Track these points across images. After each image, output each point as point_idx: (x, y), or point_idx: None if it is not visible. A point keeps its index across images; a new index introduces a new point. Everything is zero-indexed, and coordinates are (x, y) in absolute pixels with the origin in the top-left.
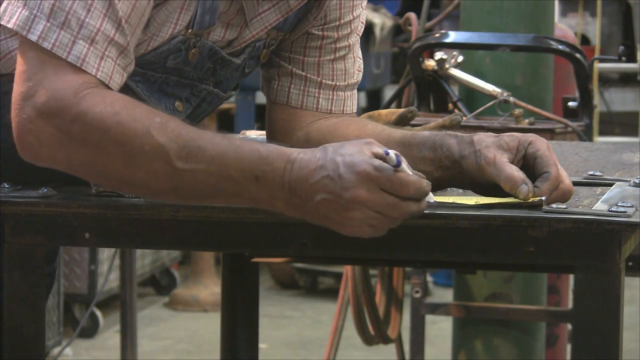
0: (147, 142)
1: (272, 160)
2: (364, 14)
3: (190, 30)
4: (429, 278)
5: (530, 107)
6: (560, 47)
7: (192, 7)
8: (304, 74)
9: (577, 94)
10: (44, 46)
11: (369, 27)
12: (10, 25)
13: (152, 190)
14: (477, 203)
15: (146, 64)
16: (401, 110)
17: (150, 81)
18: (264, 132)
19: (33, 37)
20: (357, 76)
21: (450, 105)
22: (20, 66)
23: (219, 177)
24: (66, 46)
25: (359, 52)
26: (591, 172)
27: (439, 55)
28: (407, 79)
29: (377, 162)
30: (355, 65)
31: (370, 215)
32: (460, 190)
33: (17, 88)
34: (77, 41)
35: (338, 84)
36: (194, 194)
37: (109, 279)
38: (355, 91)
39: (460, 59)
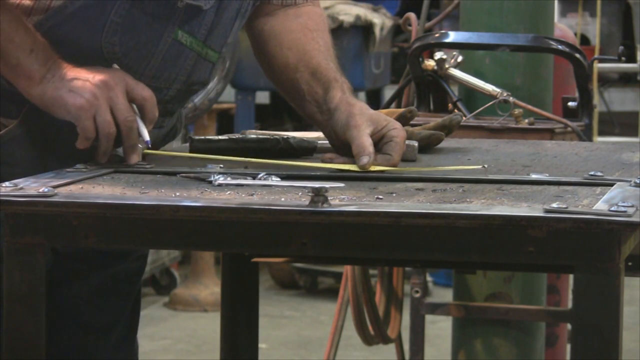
0: None
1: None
2: None
3: None
4: (429, 278)
5: (530, 107)
6: (560, 47)
7: None
8: None
9: (576, 94)
10: None
11: (369, 27)
12: None
13: None
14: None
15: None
16: (401, 110)
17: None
18: (264, 132)
19: None
20: None
21: (450, 105)
22: None
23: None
24: None
25: None
26: (591, 172)
27: (438, 55)
28: (407, 79)
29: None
30: None
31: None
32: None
33: None
34: None
35: None
36: None
37: None
38: None
39: (460, 59)
